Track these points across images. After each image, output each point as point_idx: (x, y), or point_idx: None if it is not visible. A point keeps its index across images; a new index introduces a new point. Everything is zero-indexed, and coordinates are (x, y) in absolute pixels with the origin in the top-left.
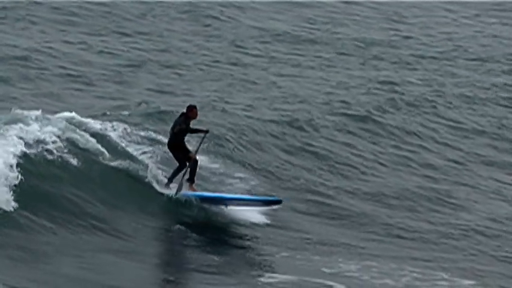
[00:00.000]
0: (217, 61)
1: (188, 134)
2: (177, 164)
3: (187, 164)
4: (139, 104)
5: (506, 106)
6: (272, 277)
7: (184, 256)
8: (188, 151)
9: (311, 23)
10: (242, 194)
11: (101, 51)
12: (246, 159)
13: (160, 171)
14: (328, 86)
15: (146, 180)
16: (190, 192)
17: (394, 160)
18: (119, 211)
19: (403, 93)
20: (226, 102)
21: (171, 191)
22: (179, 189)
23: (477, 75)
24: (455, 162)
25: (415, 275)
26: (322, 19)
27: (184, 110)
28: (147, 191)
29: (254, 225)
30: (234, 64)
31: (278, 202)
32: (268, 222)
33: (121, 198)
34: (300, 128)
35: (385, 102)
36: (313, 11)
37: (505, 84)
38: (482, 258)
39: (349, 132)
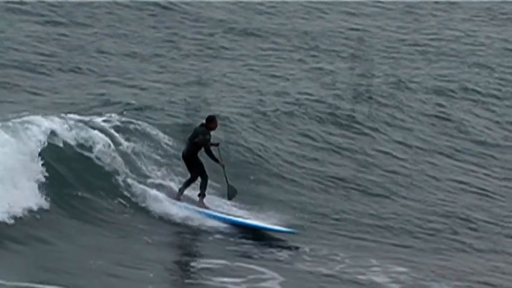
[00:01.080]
0: (161, 51)
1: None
2: (189, 175)
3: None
4: (105, 97)
5: (454, 94)
6: (205, 262)
7: (117, 243)
8: (202, 164)
9: (259, 14)
10: (260, 222)
11: (49, 40)
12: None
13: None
14: (280, 78)
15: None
16: (202, 210)
17: (344, 147)
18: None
19: (358, 85)
20: (174, 95)
21: (182, 202)
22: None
23: (428, 68)
24: (402, 146)
25: (348, 261)
26: (273, 10)
27: (204, 121)
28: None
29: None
30: (179, 55)
31: (294, 233)
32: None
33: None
34: (255, 117)
35: (341, 93)
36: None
37: (456, 76)
38: (417, 245)
39: (304, 121)
